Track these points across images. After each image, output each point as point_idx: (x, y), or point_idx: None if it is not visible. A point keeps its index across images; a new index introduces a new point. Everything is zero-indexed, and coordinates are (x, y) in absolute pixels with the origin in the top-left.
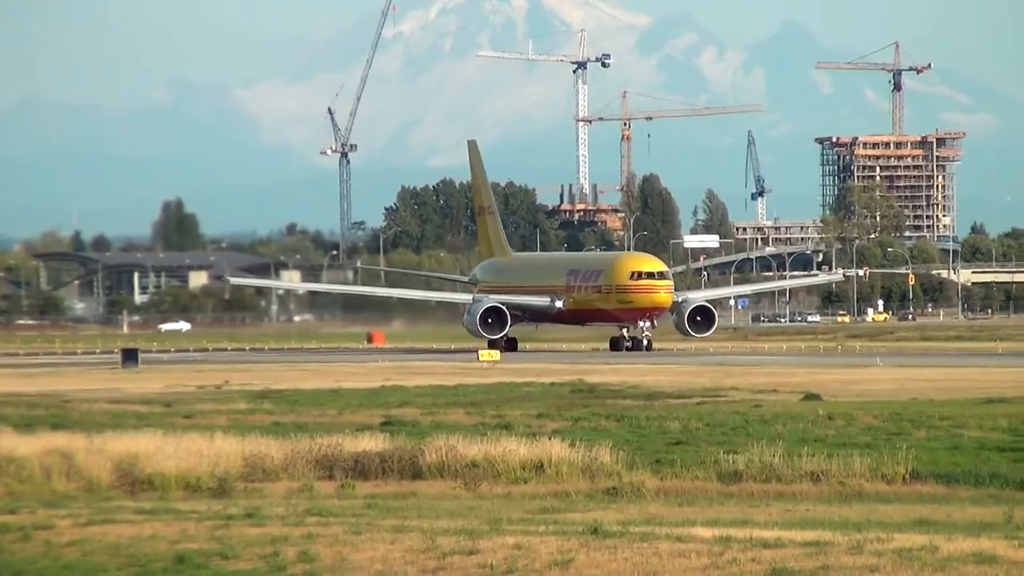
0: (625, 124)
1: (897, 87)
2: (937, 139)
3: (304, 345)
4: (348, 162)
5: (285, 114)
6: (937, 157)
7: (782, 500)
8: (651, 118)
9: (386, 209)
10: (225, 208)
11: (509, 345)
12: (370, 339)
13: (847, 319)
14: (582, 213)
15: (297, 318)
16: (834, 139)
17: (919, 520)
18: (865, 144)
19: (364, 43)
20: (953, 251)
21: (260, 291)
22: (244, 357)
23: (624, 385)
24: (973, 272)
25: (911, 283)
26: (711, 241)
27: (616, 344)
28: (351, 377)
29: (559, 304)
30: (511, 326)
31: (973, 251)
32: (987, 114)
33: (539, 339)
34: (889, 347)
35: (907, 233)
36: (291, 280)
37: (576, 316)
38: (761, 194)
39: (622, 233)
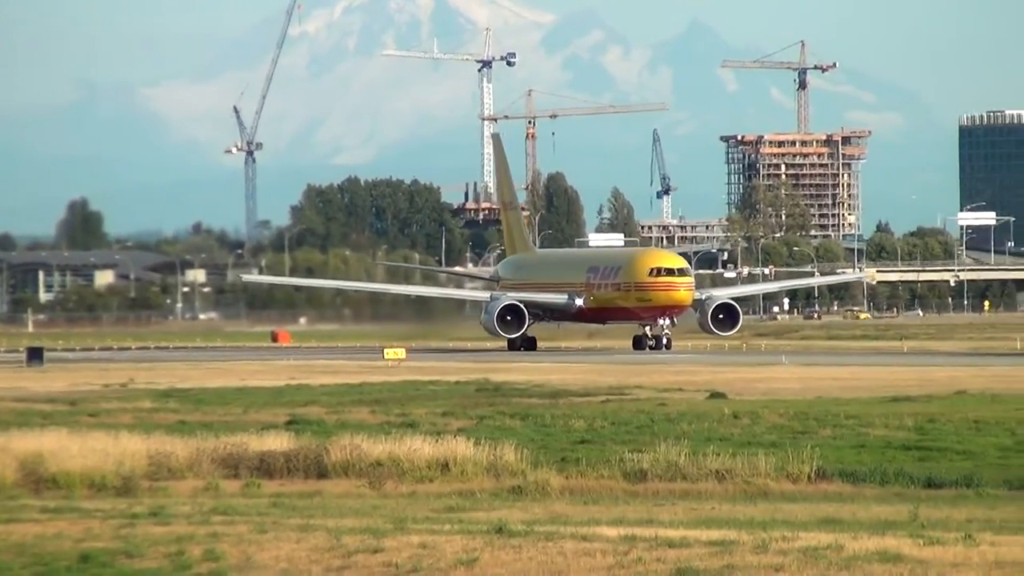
0: (530, 123)
1: (802, 86)
2: (842, 138)
3: (210, 344)
4: (254, 160)
5: (191, 113)
6: (842, 156)
7: (687, 499)
8: (556, 116)
9: (291, 207)
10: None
11: (527, 344)
12: (275, 338)
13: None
14: (487, 212)
15: (202, 316)
16: (739, 137)
17: (824, 519)
18: (770, 142)
19: (269, 42)
20: (859, 250)
21: (166, 289)
22: (149, 356)
23: (529, 384)
24: (878, 271)
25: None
26: (616, 240)
27: (639, 343)
28: (256, 376)
29: (579, 302)
30: (531, 325)
31: (879, 250)
32: (892, 113)
33: (553, 338)
34: (794, 346)
35: (812, 232)
36: (196, 279)
37: (596, 314)
38: (666, 192)
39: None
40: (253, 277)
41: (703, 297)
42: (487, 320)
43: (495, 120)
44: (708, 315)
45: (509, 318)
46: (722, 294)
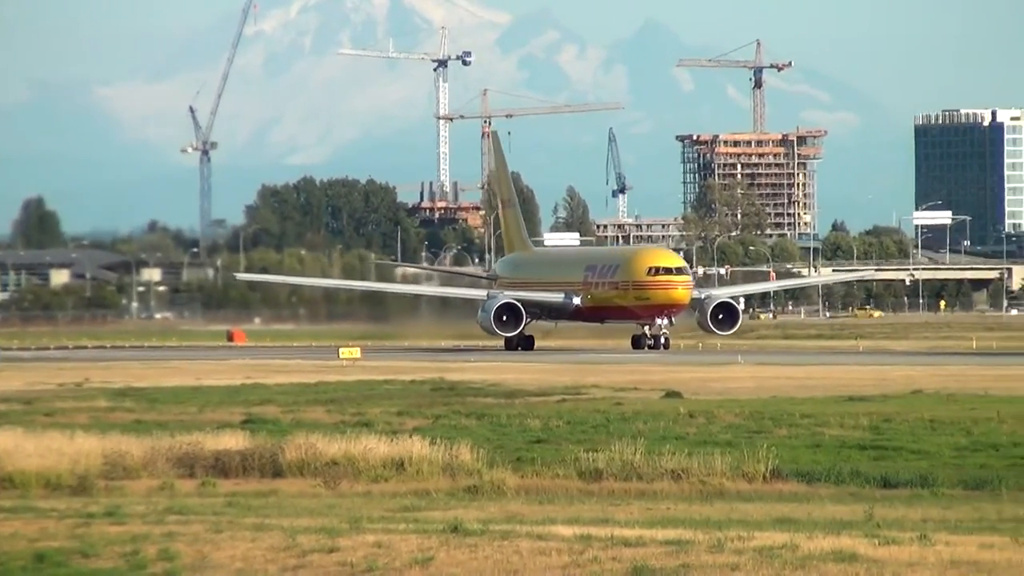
0: (486, 122)
1: (758, 85)
2: (798, 137)
3: (165, 343)
4: (209, 160)
5: (146, 112)
6: (798, 155)
7: (643, 498)
8: (512, 116)
9: (246, 207)
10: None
11: (525, 343)
12: (230, 337)
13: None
14: (443, 211)
15: (158, 315)
16: (695, 137)
17: (780, 518)
18: (726, 142)
19: (225, 41)
20: (814, 249)
21: (121, 288)
22: (105, 355)
23: (485, 383)
24: (834, 270)
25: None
26: (572, 239)
27: (637, 342)
28: (212, 375)
29: (576, 301)
30: (528, 323)
31: (834, 249)
32: (848, 112)
33: (550, 337)
34: (750, 345)
35: (768, 231)
36: (151, 278)
37: (594, 313)
38: (622, 191)
39: (483, 231)
40: (246, 276)
41: (702, 296)
42: (484, 319)
43: (451, 119)
44: (707, 314)
45: (506, 317)
46: (721, 293)
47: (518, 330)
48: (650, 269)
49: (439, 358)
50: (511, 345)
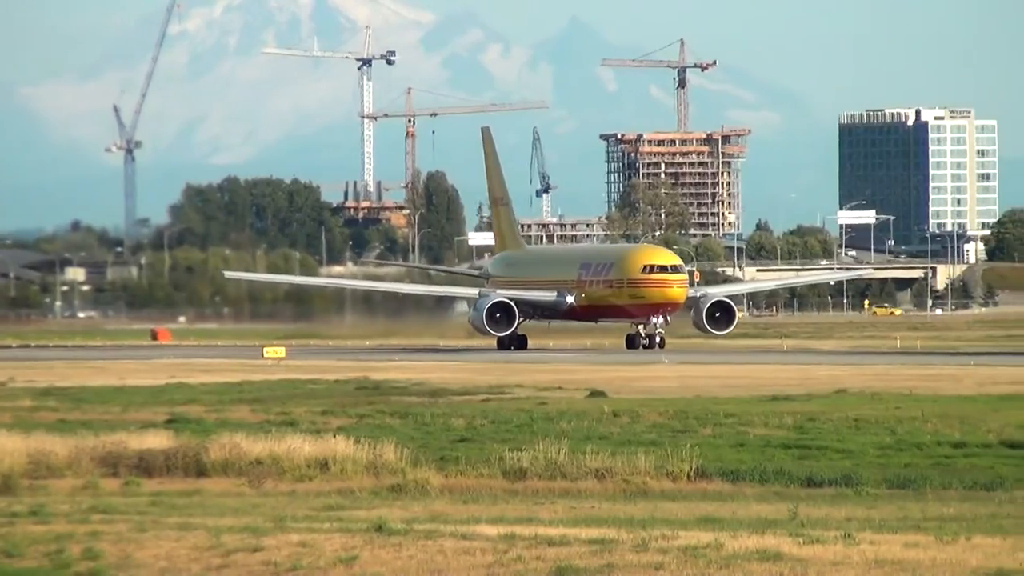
0: (410, 121)
1: (682, 84)
2: (722, 136)
3: (90, 342)
4: (133, 159)
5: (72, 112)
6: (722, 154)
7: (567, 497)
8: (436, 115)
9: (170, 206)
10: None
11: (518, 343)
12: (155, 336)
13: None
14: (367, 210)
15: (82, 314)
16: (619, 136)
17: (704, 517)
18: (650, 141)
19: (150, 40)
20: (738, 248)
21: (45, 288)
22: (29, 354)
23: (409, 382)
24: (758, 270)
25: (697, 280)
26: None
27: (632, 342)
28: (136, 374)
29: (569, 299)
30: (521, 323)
31: (758, 249)
32: (772, 111)
33: (545, 337)
34: (675, 344)
35: (692, 231)
36: (75, 277)
37: (588, 312)
38: (546, 191)
39: (407, 231)
40: (236, 274)
41: (698, 295)
42: (475, 317)
43: (375, 119)
44: (703, 313)
45: (499, 316)
46: (717, 292)
47: (511, 329)
48: (645, 267)
49: (362, 357)
50: (503, 345)
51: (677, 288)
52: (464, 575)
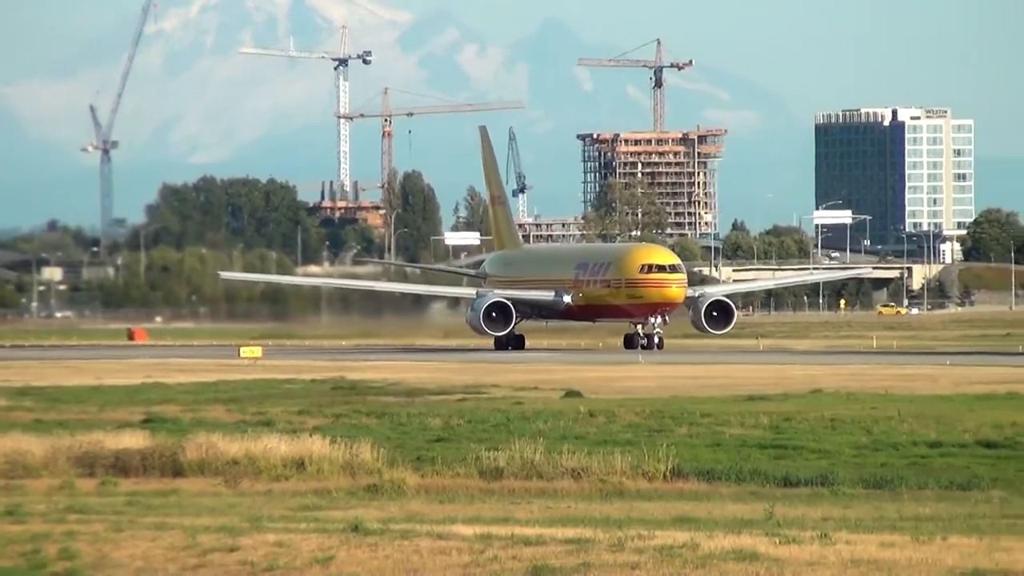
0: (386, 121)
1: (658, 84)
2: (698, 136)
3: (66, 342)
4: (109, 159)
5: (47, 111)
6: (698, 154)
7: (543, 497)
8: (412, 115)
9: (147, 206)
10: None
11: (516, 343)
12: (131, 336)
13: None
14: (343, 210)
15: (58, 314)
16: (595, 136)
17: (680, 517)
18: (627, 141)
19: (126, 40)
20: (715, 248)
21: (21, 287)
22: (5, 354)
23: (385, 382)
24: (735, 269)
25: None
26: (472, 238)
27: (630, 342)
28: (112, 374)
29: (567, 299)
30: (518, 323)
31: (735, 248)
32: (748, 111)
33: (543, 337)
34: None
35: (669, 230)
36: (52, 276)
37: (585, 312)
38: (522, 191)
39: (383, 231)
40: (230, 274)
41: (696, 295)
42: (473, 318)
43: (351, 119)
44: (702, 313)
45: (496, 316)
46: (716, 291)
47: (508, 329)
48: (643, 267)
49: (338, 357)
50: (501, 345)
51: (676, 288)
52: (440, 575)
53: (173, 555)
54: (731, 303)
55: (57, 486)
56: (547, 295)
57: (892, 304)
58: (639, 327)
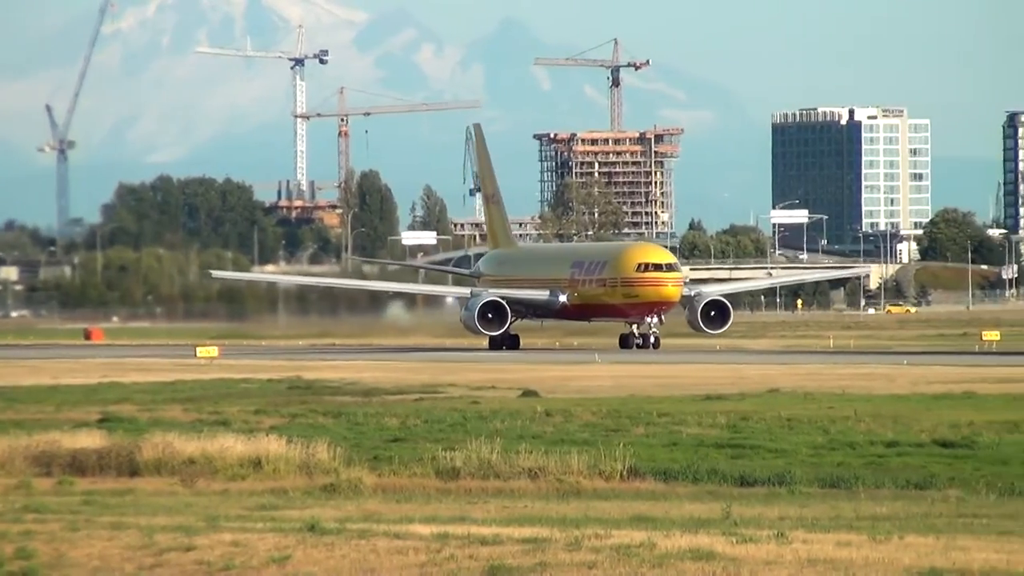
0: (343, 120)
1: (615, 83)
2: (655, 135)
3: (22, 341)
4: (66, 159)
5: (3, 111)
6: (655, 153)
7: (500, 497)
8: (369, 114)
9: (103, 206)
10: None
11: (511, 343)
12: (88, 335)
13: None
14: (300, 210)
15: (15, 314)
16: (552, 135)
17: (637, 516)
18: (583, 140)
19: (83, 39)
20: (671, 248)
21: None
22: None
23: (342, 382)
24: (691, 269)
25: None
26: (428, 238)
27: (626, 341)
28: (69, 374)
29: (562, 298)
30: (513, 322)
31: (691, 248)
32: (705, 111)
33: (537, 336)
34: (608, 344)
35: (626, 230)
36: (8, 276)
37: (581, 311)
38: (479, 190)
39: (340, 231)
40: (223, 274)
41: (692, 294)
42: (467, 317)
43: (308, 118)
44: (698, 313)
45: (491, 315)
46: (712, 291)
47: (503, 329)
48: (639, 265)
49: (296, 357)
50: (495, 344)
51: (672, 287)
52: (397, 574)
53: (130, 554)
54: (728, 303)
55: (13, 485)
56: (542, 294)
57: (900, 303)
58: (635, 327)
